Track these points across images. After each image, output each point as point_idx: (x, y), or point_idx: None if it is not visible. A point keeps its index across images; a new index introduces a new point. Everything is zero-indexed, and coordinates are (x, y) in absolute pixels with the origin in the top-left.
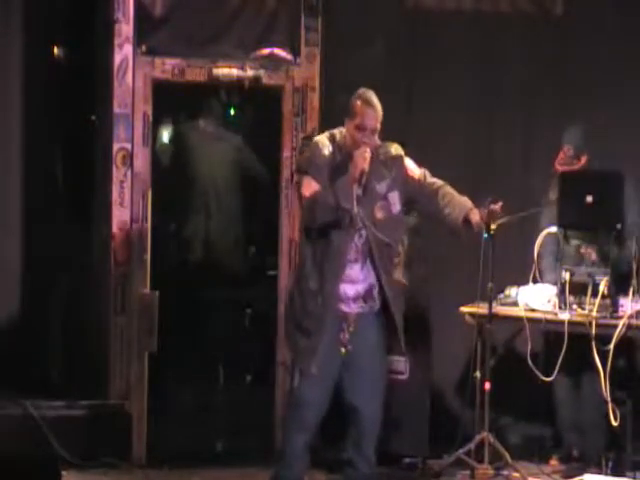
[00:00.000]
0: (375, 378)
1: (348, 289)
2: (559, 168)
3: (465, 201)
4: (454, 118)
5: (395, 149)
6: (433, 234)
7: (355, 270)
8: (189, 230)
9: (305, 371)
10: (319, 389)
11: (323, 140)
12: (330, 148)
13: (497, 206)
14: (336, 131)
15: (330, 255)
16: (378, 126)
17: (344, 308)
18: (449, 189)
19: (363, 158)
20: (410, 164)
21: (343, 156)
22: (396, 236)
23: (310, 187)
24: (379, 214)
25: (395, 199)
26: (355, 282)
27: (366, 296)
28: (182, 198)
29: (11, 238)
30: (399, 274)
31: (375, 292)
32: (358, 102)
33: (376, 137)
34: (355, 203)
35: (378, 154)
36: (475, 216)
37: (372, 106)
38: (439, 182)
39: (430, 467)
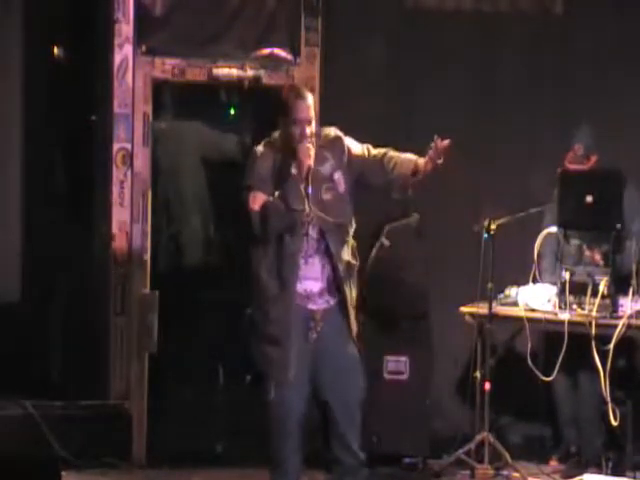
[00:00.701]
0: (350, 369)
1: (312, 285)
2: (569, 166)
3: (409, 156)
4: (454, 118)
5: (332, 131)
6: (433, 234)
7: (315, 264)
8: (189, 230)
9: (282, 381)
10: (297, 395)
11: (259, 149)
12: (269, 154)
13: (442, 142)
14: (275, 134)
15: (285, 256)
16: (312, 115)
17: (310, 306)
18: (393, 153)
19: (307, 155)
20: (351, 142)
21: (283, 156)
22: (345, 215)
23: (257, 200)
24: (326, 195)
25: (340, 179)
26: (317, 276)
27: (330, 289)
28: (182, 198)
29: (11, 238)
30: (349, 254)
31: (336, 282)
32: (289, 96)
33: (312, 126)
34: (307, 202)
35: (317, 140)
36: (421, 161)
37: (302, 97)
38: (382, 150)
39: (430, 467)
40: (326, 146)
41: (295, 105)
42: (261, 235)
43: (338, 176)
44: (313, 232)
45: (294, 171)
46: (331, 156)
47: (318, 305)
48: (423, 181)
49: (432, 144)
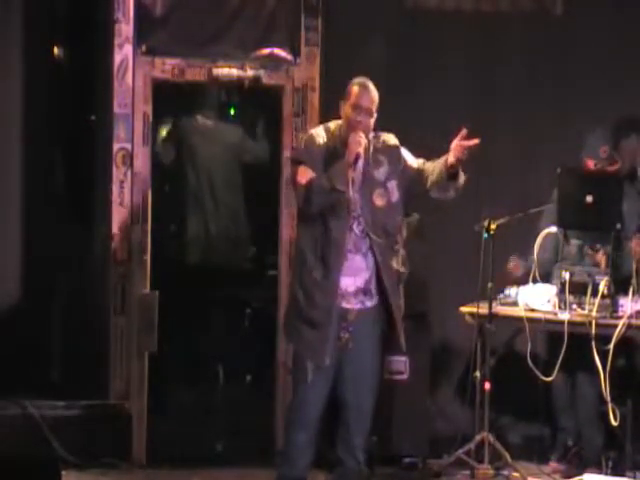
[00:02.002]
0: (369, 376)
1: (348, 283)
2: (591, 166)
3: (442, 158)
4: (454, 118)
5: (392, 139)
6: (433, 234)
7: (355, 261)
8: (189, 230)
9: (318, 364)
10: (324, 385)
11: (317, 131)
12: (324, 137)
13: (468, 142)
14: (331, 123)
15: (331, 246)
16: (374, 109)
17: (345, 304)
18: (430, 161)
19: (358, 143)
20: (407, 154)
21: (338, 143)
22: (395, 224)
23: (305, 175)
24: (378, 201)
25: (394, 188)
26: (355, 274)
27: (366, 290)
28: (182, 198)
29: (11, 238)
30: (398, 263)
31: (373, 286)
32: (354, 85)
33: (372, 121)
34: (350, 186)
35: (375, 142)
36: (450, 159)
37: (367, 88)
38: (421, 160)
39: (430, 467)
40: (383, 151)
41: (358, 92)
42: (305, 209)
43: (392, 185)
44: (357, 229)
45: (345, 155)
46: (387, 162)
47: (352, 305)
48: (458, 180)
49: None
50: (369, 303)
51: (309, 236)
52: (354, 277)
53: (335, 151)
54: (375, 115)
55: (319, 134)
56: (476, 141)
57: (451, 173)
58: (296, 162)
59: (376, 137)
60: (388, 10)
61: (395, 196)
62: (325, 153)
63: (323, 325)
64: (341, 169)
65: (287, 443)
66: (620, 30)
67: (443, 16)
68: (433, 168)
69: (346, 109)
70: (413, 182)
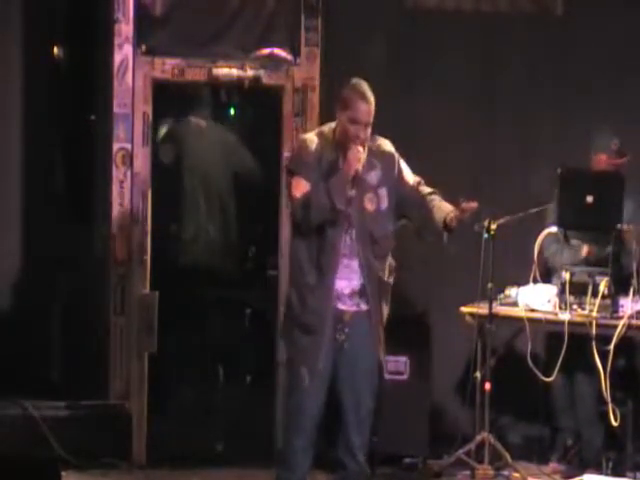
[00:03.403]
0: (366, 377)
1: (344, 286)
2: (604, 160)
3: (448, 206)
4: (454, 118)
5: (387, 145)
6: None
7: (350, 265)
8: (189, 230)
9: (312, 369)
10: (320, 389)
11: (310, 137)
12: (317, 143)
13: (469, 204)
14: (325, 127)
15: (325, 249)
16: (371, 120)
17: (340, 306)
18: (437, 196)
19: (357, 159)
20: (405, 167)
21: (332, 148)
22: (383, 232)
23: (300, 187)
24: (369, 205)
25: (384, 196)
26: (350, 278)
27: (361, 293)
28: (182, 198)
29: (11, 238)
30: (384, 272)
31: (367, 288)
32: (352, 95)
33: (368, 130)
34: (349, 205)
35: (370, 145)
36: (451, 214)
37: (366, 100)
38: (428, 189)
39: (430, 467)
40: (377, 155)
41: (357, 105)
42: (303, 226)
43: (383, 192)
44: (352, 234)
45: (343, 170)
46: (380, 167)
47: (347, 306)
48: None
49: (461, 204)
50: (364, 306)
51: (304, 241)
52: (349, 280)
53: (331, 159)
54: (371, 121)
55: (312, 140)
56: (475, 204)
57: (448, 227)
58: (290, 172)
59: (371, 140)
60: (388, 10)
61: (385, 203)
62: (319, 159)
63: (317, 330)
64: (340, 186)
65: (285, 447)
66: (620, 30)
67: (443, 16)
68: (438, 206)
69: (343, 119)
70: (409, 197)
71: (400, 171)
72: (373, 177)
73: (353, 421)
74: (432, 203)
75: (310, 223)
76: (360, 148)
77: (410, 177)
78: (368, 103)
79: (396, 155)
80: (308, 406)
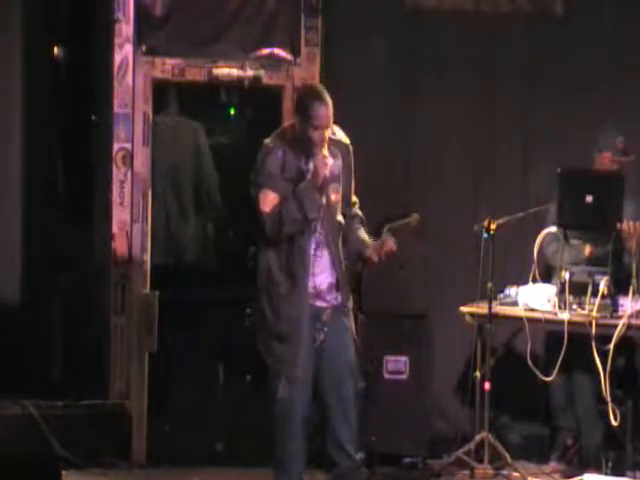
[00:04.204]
0: (345, 372)
1: (321, 280)
2: (608, 159)
3: (367, 239)
4: (454, 118)
5: (343, 135)
6: (433, 234)
7: (324, 257)
8: (189, 230)
9: (291, 379)
10: (303, 394)
11: (271, 143)
12: (280, 149)
13: (391, 241)
14: (284, 129)
15: (295, 252)
16: (332, 121)
17: (319, 303)
18: (361, 224)
19: (324, 165)
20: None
21: (293, 148)
22: (339, 220)
23: (268, 201)
24: (333, 196)
25: (342, 183)
26: (326, 271)
27: (337, 285)
28: (182, 197)
29: (11, 238)
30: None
31: (340, 280)
32: (311, 100)
33: (330, 131)
34: (321, 211)
35: (330, 134)
36: (368, 249)
37: (325, 104)
38: (359, 212)
39: (430, 467)
40: (336, 144)
41: (316, 110)
42: (272, 237)
43: (341, 180)
44: (321, 228)
45: (309, 177)
46: (339, 155)
47: (327, 302)
48: (373, 263)
49: (384, 236)
50: (340, 297)
51: (273, 250)
52: (326, 274)
53: (295, 164)
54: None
55: (273, 148)
56: (394, 247)
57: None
58: (257, 186)
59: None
60: (388, 10)
61: (341, 190)
62: (282, 166)
63: (293, 338)
64: (310, 195)
65: (279, 452)
66: (620, 30)
67: (443, 16)
68: (359, 235)
69: (305, 127)
70: (343, 196)
71: (351, 164)
72: (335, 166)
73: (337, 414)
74: (356, 227)
75: (282, 235)
76: (326, 152)
77: (352, 181)
78: (327, 106)
79: (350, 147)
80: (292, 413)
